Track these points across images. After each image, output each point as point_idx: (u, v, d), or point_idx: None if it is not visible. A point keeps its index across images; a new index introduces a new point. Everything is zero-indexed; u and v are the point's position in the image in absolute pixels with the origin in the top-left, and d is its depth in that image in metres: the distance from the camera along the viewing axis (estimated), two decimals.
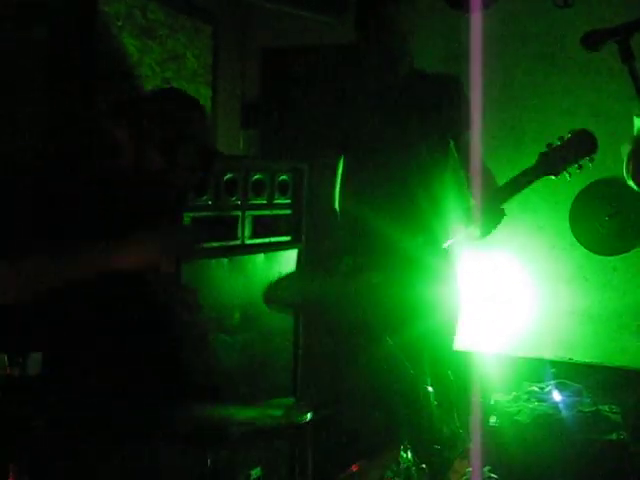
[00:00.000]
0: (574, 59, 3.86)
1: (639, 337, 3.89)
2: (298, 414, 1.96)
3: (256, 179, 3.45)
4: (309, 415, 1.96)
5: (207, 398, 2.14)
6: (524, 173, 2.51)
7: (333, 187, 2.91)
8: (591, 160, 2.51)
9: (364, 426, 2.21)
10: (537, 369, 3.85)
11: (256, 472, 3.18)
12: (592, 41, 2.10)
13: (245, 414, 2.12)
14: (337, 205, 2.93)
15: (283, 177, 3.62)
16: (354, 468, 1.97)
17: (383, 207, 2.74)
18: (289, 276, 2.46)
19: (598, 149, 2.51)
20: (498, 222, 2.55)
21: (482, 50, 3.90)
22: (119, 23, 3.49)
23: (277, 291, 2.22)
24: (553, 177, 2.50)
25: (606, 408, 3.50)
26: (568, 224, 3.91)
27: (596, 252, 3.89)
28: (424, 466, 1.93)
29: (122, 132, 1.89)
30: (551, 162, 2.47)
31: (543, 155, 2.49)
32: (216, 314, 3.28)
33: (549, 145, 2.49)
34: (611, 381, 3.77)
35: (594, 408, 3.48)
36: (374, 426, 2.19)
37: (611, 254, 3.85)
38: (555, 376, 3.75)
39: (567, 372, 3.81)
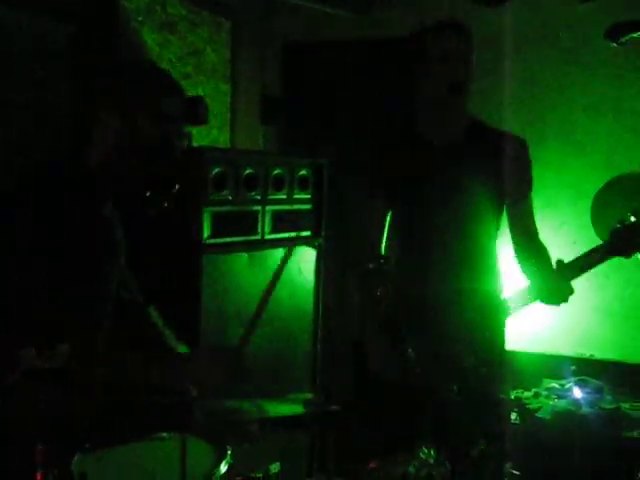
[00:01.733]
0: (597, 54, 3.82)
1: None
2: (321, 407, 1.96)
3: (276, 174, 3.46)
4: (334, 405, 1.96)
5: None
6: (595, 251, 2.39)
7: (380, 233, 2.83)
8: None
9: (386, 422, 2.22)
10: (557, 366, 3.83)
11: (275, 467, 3.18)
12: (616, 34, 2.08)
13: (264, 409, 2.13)
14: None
15: (303, 172, 3.63)
16: (375, 464, 1.97)
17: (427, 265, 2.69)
18: None
19: None
20: (564, 298, 2.44)
21: (504, 45, 3.89)
22: (139, 18, 3.50)
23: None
24: (624, 257, 2.35)
25: (627, 405, 3.48)
26: (590, 220, 3.88)
27: None
28: (446, 463, 1.92)
29: (109, 114, 1.89)
30: (624, 242, 2.33)
31: (615, 233, 2.35)
32: (236, 309, 3.29)
33: (622, 222, 2.34)
34: (632, 378, 3.74)
35: (615, 405, 3.47)
36: (396, 422, 2.19)
37: None
38: (576, 373, 3.74)
39: (588, 369, 3.79)
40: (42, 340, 1.45)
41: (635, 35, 2.04)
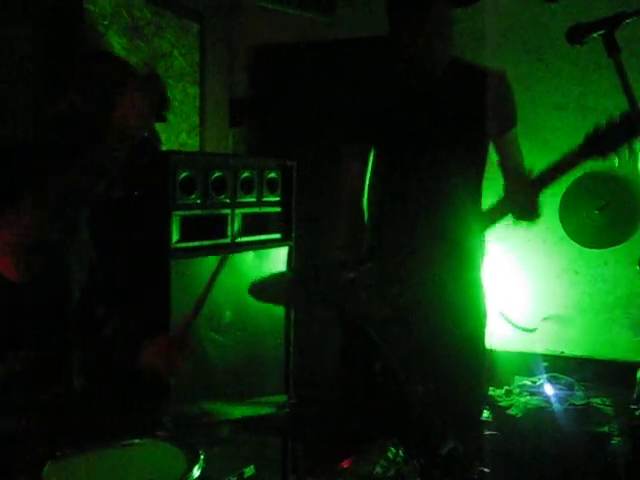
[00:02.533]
0: (561, 54, 3.87)
1: (630, 330, 3.90)
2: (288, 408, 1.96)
3: (245, 177, 3.45)
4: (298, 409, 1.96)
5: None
6: (568, 155, 2.37)
7: (362, 180, 2.81)
8: None
9: (354, 422, 2.21)
10: (529, 363, 3.86)
11: (249, 470, 3.17)
12: (576, 35, 2.10)
13: (236, 411, 2.12)
14: (365, 200, 2.84)
15: (272, 174, 3.62)
16: (344, 464, 1.97)
17: (412, 209, 2.70)
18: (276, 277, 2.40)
19: None
20: (536, 212, 2.50)
21: (469, 44, 3.92)
22: (105, 22, 3.48)
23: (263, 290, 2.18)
24: (601, 160, 2.32)
25: (598, 401, 3.51)
26: (558, 218, 3.92)
27: (586, 246, 3.88)
28: (415, 462, 1.93)
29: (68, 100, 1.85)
30: (599, 142, 2.29)
31: (589, 135, 2.33)
32: (207, 313, 3.28)
33: (596, 125, 2.32)
34: (602, 374, 3.78)
35: (586, 401, 3.50)
36: (364, 422, 2.19)
37: (601, 247, 3.85)
38: (547, 370, 3.77)
39: (559, 366, 3.82)
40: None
41: (595, 35, 2.05)
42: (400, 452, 1.90)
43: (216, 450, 2.47)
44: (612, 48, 2.02)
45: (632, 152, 2.29)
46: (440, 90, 2.64)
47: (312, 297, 2.05)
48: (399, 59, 2.65)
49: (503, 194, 2.56)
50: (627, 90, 1.96)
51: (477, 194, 2.75)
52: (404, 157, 2.70)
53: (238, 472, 3.09)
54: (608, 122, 2.32)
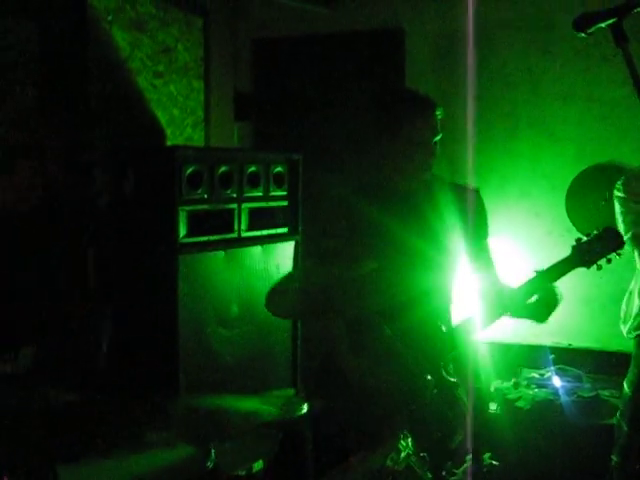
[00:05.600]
0: (567, 44, 3.84)
1: None
2: (296, 406, 1.96)
3: (251, 171, 3.45)
4: (306, 406, 1.95)
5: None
6: (559, 264, 2.57)
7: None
8: (618, 254, 2.59)
9: (363, 415, 2.22)
10: (536, 355, 3.85)
11: (258, 465, 3.18)
12: (584, 24, 2.08)
13: (244, 405, 2.12)
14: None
15: (278, 169, 3.62)
16: (354, 458, 1.97)
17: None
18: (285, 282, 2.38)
19: (624, 245, 2.60)
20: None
21: (475, 35, 3.90)
22: (109, 17, 3.47)
23: (275, 303, 2.17)
24: (585, 268, 2.58)
25: (606, 393, 3.51)
26: (564, 210, 3.90)
27: None
28: (424, 454, 1.93)
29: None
30: (585, 254, 2.55)
31: (576, 248, 2.57)
32: (214, 308, 3.28)
33: (578, 240, 2.57)
34: (610, 366, 3.77)
35: (594, 393, 3.49)
36: (374, 415, 2.19)
37: None
38: (554, 362, 3.76)
39: (566, 358, 3.81)
40: (3, 343, 1.41)
41: (602, 25, 2.03)
42: (410, 445, 1.90)
43: (226, 445, 2.48)
44: (620, 38, 2.00)
45: (610, 262, 2.58)
46: (423, 198, 2.68)
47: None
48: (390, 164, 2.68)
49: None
50: (636, 80, 1.94)
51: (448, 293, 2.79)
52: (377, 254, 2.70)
53: (247, 466, 3.09)
54: (591, 235, 2.56)
